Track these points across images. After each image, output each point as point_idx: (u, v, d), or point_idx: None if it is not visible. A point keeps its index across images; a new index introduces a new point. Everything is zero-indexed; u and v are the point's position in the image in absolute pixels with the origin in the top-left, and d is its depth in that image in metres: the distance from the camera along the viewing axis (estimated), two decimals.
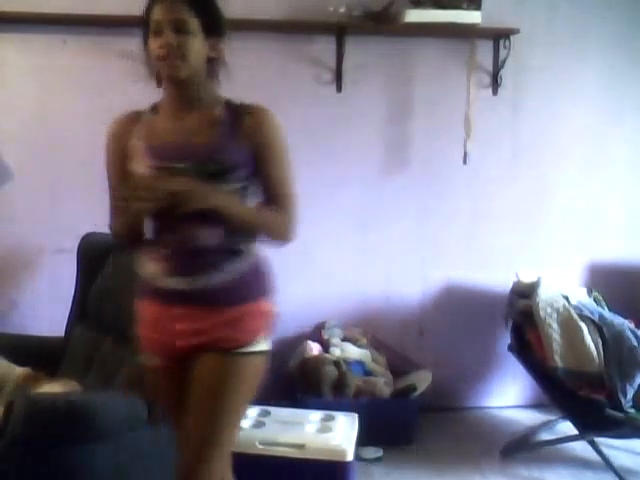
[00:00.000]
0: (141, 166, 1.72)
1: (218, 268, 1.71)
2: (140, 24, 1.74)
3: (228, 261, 1.72)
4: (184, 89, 1.74)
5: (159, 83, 1.83)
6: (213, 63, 1.76)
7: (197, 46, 1.69)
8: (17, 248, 3.41)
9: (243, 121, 1.73)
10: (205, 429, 1.70)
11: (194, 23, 1.68)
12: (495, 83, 3.61)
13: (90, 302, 2.77)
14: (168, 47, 1.66)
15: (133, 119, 1.81)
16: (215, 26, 1.74)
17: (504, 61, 3.56)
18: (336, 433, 2.66)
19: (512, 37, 3.50)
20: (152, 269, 1.77)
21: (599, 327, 3.06)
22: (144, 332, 1.85)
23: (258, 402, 2.83)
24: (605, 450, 3.05)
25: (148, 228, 1.74)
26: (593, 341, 3.03)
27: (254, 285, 1.78)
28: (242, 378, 1.73)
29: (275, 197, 1.76)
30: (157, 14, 1.68)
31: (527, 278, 3.31)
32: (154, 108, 1.82)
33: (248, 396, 1.77)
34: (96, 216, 3.28)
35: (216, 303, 1.73)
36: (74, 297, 2.86)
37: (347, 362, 3.29)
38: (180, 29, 1.66)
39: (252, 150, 1.72)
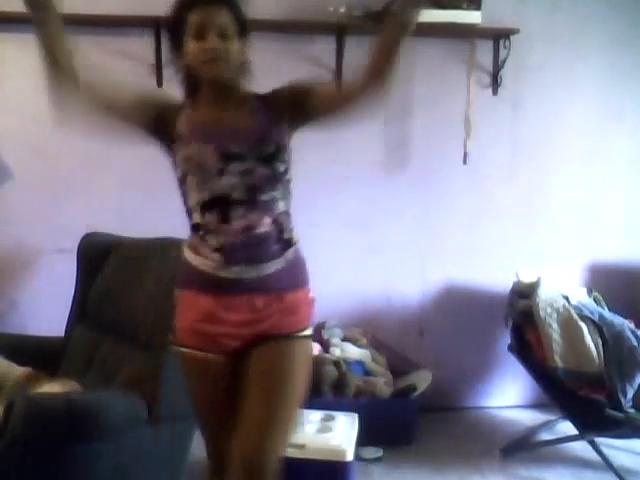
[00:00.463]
0: (191, 149, 1.77)
1: (275, 256, 1.78)
2: (167, 22, 1.81)
3: (282, 248, 1.79)
4: (225, 88, 1.80)
5: (187, 81, 1.85)
6: (244, 62, 1.83)
7: (236, 48, 1.76)
8: (17, 248, 3.41)
9: (271, 101, 1.82)
10: (272, 409, 1.73)
11: (233, 28, 1.75)
12: (495, 83, 3.61)
13: (90, 302, 2.77)
14: (214, 52, 1.72)
15: (179, 105, 1.86)
16: (245, 29, 1.81)
17: (504, 61, 3.56)
18: (336, 433, 2.66)
19: (512, 37, 3.50)
20: (207, 259, 1.78)
21: (599, 327, 3.06)
22: (189, 324, 1.82)
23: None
24: (605, 450, 3.05)
25: (205, 218, 1.77)
26: (593, 341, 3.03)
27: (302, 271, 1.87)
28: (303, 360, 1.82)
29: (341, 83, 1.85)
30: (201, 18, 1.73)
31: (527, 278, 3.31)
32: (191, 102, 1.85)
33: (307, 378, 1.82)
34: (96, 216, 3.31)
35: (276, 290, 1.78)
36: (74, 297, 2.86)
37: (347, 362, 3.29)
38: (222, 34, 1.73)
39: (290, 115, 1.79)
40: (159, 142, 1.88)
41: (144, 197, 3.40)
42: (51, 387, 2.40)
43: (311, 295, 1.89)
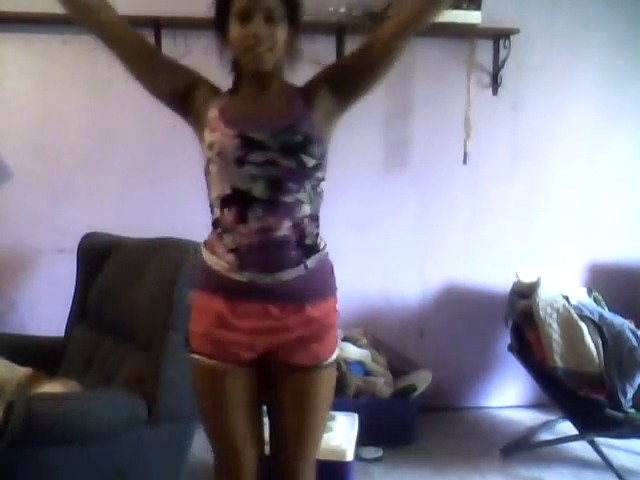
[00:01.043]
0: (215, 134, 1.66)
1: (293, 262, 1.67)
2: (213, 5, 1.68)
3: (302, 255, 1.69)
4: (265, 78, 1.69)
5: (234, 69, 1.75)
6: (292, 51, 1.72)
7: (283, 36, 1.64)
8: (17, 248, 3.41)
9: (309, 89, 1.73)
10: (307, 432, 1.80)
11: (282, 11, 1.63)
12: (495, 83, 3.61)
13: (90, 302, 2.77)
14: (257, 38, 1.60)
15: (216, 91, 1.76)
16: (297, 14, 1.69)
17: (504, 61, 3.56)
18: (336, 433, 2.66)
19: (512, 37, 3.51)
20: (221, 259, 1.68)
21: (599, 327, 3.06)
22: (204, 329, 1.72)
23: None
24: (605, 450, 3.05)
25: (224, 214, 1.67)
26: (593, 341, 3.03)
27: (327, 281, 1.79)
28: (331, 387, 1.86)
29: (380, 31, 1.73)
30: (245, 1, 1.61)
31: (527, 278, 3.31)
32: (231, 90, 1.76)
33: (332, 399, 1.89)
34: (96, 216, 3.31)
35: (294, 300, 1.69)
36: (74, 297, 2.86)
37: (347, 362, 3.29)
38: (270, 18, 1.60)
39: (339, 89, 1.72)
40: (179, 114, 1.78)
41: (144, 197, 3.40)
42: (51, 387, 2.40)
43: (337, 308, 1.80)
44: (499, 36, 3.53)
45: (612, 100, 3.72)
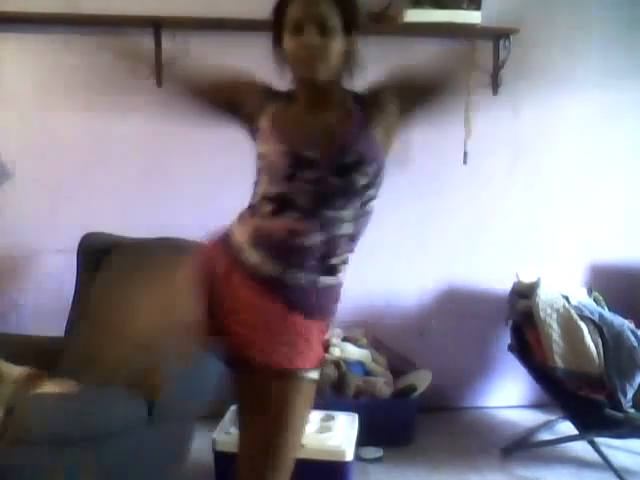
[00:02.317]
0: (267, 147, 1.63)
1: (306, 270, 1.63)
2: (270, 18, 1.67)
3: (319, 271, 1.64)
4: (319, 90, 1.65)
5: (293, 81, 1.71)
6: (349, 60, 1.67)
7: (338, 46, 1.60)
8: (17, 248, 3.41)
9: (370, 103, 1.67)
10: (278, 442, 1.69)
11: (336, 20, 1.58)
12: (495, 83, 3.61)
13: (90, 302, 2.76)
14: (310, 49, 1.57)
15: (272, 95, 1.73)
16: (354, 22, 1.63)
17: (504, 61, 3.56)
18: (336, 433, 2.66)
19: (512, 37, 3.50)
20: (243, 232, 1.67)
21: (599, 327, 3.06)
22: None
23: None
24: (605, 450, 3.05)
25: (262, 205, 1.64)
26: (593, 341, 3.03)
27: (326, 306, 1.72)
28: (308, 403, 1.73)
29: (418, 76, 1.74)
30: (298, 11, 1.58)
31: (527, 278, 3.31)
32: (289, 95, 1.71)
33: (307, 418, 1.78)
34: (96, 216, 3.31)
35: (286, 303, 1.65)
36: (74, 297, 2.86)
37: (347, 362, 3.29)
38: (323, 28, 1.57)
39: (401, 108, 1.69)
40: (244, 127, 1.75)
41: (144, 197, 3.40)
42: (51, 387, 2.40)
43: (325, 336, 1.72)
44: (499, 36, 3.53)
45: (612, 100, 3.71)
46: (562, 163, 3.73)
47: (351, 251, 1.71)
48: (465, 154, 3.60)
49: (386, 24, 3.40)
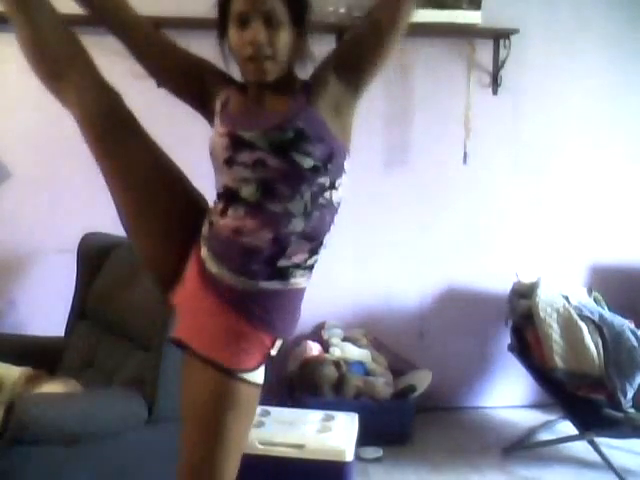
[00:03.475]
0: (213, 132, 1.57)
1: (253, 276, 1.53)
2: (214, 9, 1.56)
3: (267, 274, 1.53)
4: (268, 86, 1.55)
5: (242, 76, 1.62)
6: (299, 54, 1.59)
7: (286, 40, 1.50)
8: (17, 248, 3.41)
9: (314, 80, 1.58)
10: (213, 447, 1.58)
11: (284, 12, 1.49)
12: (495, 83, 3.61)
13: (90, 302, 2.77)
14: (256, 45, 1.47)
15: (228, 81, 1.65)
16: (304, 14, 1.54)
17: (504, 61, 3.56)
18: (336, 433, 2.66)
19: (512, 37, 3.51)
20: (203, 239, 1.59)
21: (599, 327, 3.06)
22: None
23: (258, 402, 2.84)
24: (605, 450, 3.05)
25: (215, 205, 1.57)
26: (593, 341, 3.03)
27: (278, 317, 1.58)
28: (250, 412, 1.64)
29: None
30: (243, 3, 1.48)
31: (527, 278, 3.31)
32: (242, 86, 1.63)
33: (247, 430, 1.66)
34: (96, 216, 3.31)
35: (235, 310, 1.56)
36: (74, 297, 2.86)
37: (347, 362, 3.29)
38: (270, 21, 1.47)
39: (340, 87, 1.56)
40: (198, 105, 1.68)
41: None
42: (51, 387, 2.40)
43: (272, 351, 1.57)
44: (499, 36, 3.53)
45: (612, 100, 3.72)
46: (562, 163, 3.73)
47: (309, 253, 1.55)
48: (465, 154, 3.60)
49: None
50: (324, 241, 1.59)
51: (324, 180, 1.52)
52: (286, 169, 1.47)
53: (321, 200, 1.53)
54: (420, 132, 3.61)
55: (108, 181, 1.67)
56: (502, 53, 3.56)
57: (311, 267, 1.59)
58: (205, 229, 1.59)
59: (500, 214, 3.70)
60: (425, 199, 3.65)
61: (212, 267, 1.54)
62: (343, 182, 1.58)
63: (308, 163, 1.47)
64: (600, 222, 3.77)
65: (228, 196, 1.53)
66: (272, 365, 1.71)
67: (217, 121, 1.60)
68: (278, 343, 1.59)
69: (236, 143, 1.51)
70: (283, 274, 1.53)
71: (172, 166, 1.66)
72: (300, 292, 1.60)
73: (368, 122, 3.56)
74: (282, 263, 1.52)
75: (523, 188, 3.71)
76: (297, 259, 1.54)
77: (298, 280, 1.56)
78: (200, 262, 1.57)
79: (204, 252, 1.56)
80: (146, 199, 1.61)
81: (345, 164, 1.58)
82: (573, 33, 3.65)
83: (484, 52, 3.57)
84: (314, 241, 1.56)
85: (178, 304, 1.61)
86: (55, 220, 3.39)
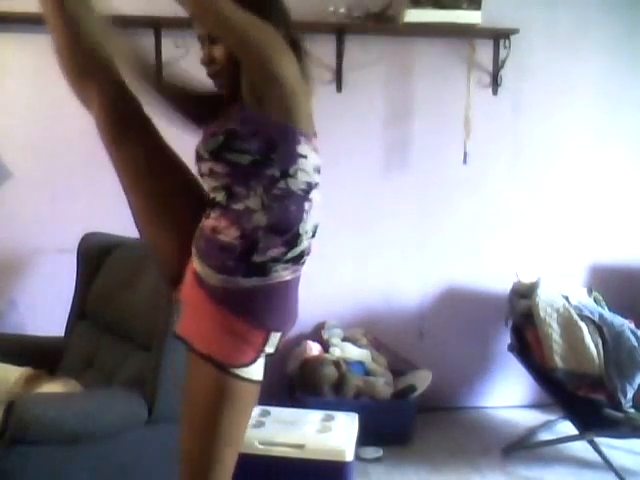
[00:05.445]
0: None
1: (226, 271, 1.57)
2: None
3: (240, 270, 1.57)
4: (234, 96, 1.63)
5: None
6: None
7: (226, 53, 1.58)
8: (17, 248, 3.41)
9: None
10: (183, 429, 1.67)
11: None
12: (495, 83, 3.61)
13: (90, 302, 2.77)
14: (204, 62, 1.64)
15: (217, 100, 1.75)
16: None
17: (504, 61, 3.56)
18: (336, 433, 2.66)
19: (512, 37, 3.51)
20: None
21: (599, 327, 3.06)
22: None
23: (259, 402, 2.84)
24: (605, 450, 3.05)
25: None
26: (593, 341, 3.03)
27: (248, 309, 1.62)
28: (209, 392, 1.66)
29: None
30: (196, 29, 1.64)
31: (527, 278, 3.31)
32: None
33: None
34: (96, 216, 3.31)
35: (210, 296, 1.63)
36: (74, 297, 2.86)
37: (347, 362, 3.29)
38: (213, 39, 1.60)
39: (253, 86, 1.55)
40: None
41: None
42: (51, 387, 2.40)
43: (268, 348, 1.61)
44: (499, 36, 3.53)
45: (612, 101, 3.72)
46: (562, 163, 3.73)
47: (285, 246, 1.56)
48: (465, 154, 3.60)
49: (386, 24, 3.40)
50: (300, 231, 1.58)
51: (272, 171, 1.53)
52: (229, 171, 1.55)
53: (276, 191, 1.54)
54: (420, 132, 3.61)
55: (122, 175, 1.70)
56: (502, 53, 3.56)
57: (295, 259, 1.59)
58: (198, 229, 1.65)
59: (500, 214, 3.70)
60: (425, 199, 3.65)
61: (197, 266, 1.60)
62: (303, 167, 1.56)
63: (246, 159, 1.52)
64: (600, 222, 3.77)
65: (211, 200, 1.61)
66: (271, 364, 1.71)
67: None
68: (274, 339, 1.62)
69: (197, 158, 1.63)
70: (261, 269, 1.55)
71: (182, 164, 1.72)
72: (286, 285, 1.60)
73: (368, 122, 3.57)
74: (257, 258, 1.54)
75: (523, 188, 3.71)
76: (273, 253, 1.55)
77: (280, 273, 1.58)
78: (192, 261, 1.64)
79: (193, 251, 1.63)
80: (160, 192, 1.67)
81: (299, 149, 1.56)
82: (573, 33, 3.65)
83: (484, 52, 3.57)
84: (285, 233, 1.56)
85: (182, 299, 1.66)
86: (55, 220, 3.39)
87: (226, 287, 1.56)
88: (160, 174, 1.68)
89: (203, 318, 1.60)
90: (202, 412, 1.60)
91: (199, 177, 1.66)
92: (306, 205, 1.58)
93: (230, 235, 1.54)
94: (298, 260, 1.60)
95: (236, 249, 1.54)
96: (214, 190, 1.60)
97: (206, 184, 1.63)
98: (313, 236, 1.63)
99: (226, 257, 1.55)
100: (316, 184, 1.61)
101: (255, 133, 1.52)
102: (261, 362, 1.63)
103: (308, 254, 1.63)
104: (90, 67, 1.72)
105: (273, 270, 1.56)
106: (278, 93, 1.50)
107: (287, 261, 1.58)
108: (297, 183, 1.56)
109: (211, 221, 1.59)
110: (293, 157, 1.55)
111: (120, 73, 1.73)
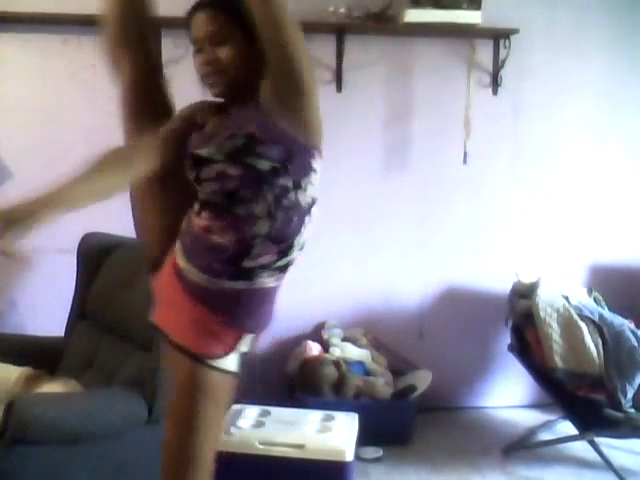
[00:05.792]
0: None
1: (214, 273, 1.59)
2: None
3: (227, 273, 1.59)
4: (233, 100, 1.62)
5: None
6: (257, 61, 1.56)
7: (233, 54, 1.56)
8: (17, 248, 3.40)
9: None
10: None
11: (228, 30, 1.56)
12: (495, 83, 3.61)
13: (90, 302, 2.77)
14: (207, 67, 1.58)
15: (204, 108, 1.71)
16: (248, 27, 1.54)
17: (504, 61, 3.56)
18: (336, 433, 2.66)
19: (512, 37, 3.51)
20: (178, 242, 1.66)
21: (599, 327, 3.06)
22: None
23: (259, 402, 2.84)
24: (605, 450, 3.05)
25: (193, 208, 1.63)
26: (593, 341, 3.03)
27: (231, 314, 1.65)
28: (192, 388, 1.68)
29: None
30: (194, 31, 1.59)
31: (527, 278, 3.31)
32: (217, 106, 1.69)
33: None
34: (96, 216, 3.31)
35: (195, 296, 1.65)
36: (74, 297, 2.86)
37: (347, 362, 3.29)
38: (215, 41, 1.56)
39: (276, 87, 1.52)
40: None
41: None
42: (51, 387, 2.40)
43: (242, 347, 1.62)
44: (499, 36, 3.53)
45: (612, 101, 3.72)
46: (562, 163, 3.73)
47: (277, 254, 1.57)
48: (465, 154, 3.60)
49: (386, 24, 3.40)
50: (294, 243, 1.60)
51: (286, 181, 1.54)
52: (245, 174, 1.51)
53: (285, 202, 1.55)
54: (420, 132, 3.61)
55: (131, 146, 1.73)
56: (502, 53, 3.56)
57: (282, 268, 1.61)
58: (184, 223, 1.65)
59: (500, 214, 3.70)
60: (425, 199, 3.65)
61: (180, 261, 1.61)
62: (312, 181, 1.59)
63: (265, 165, 1.50)
64: (600, 222, 3.77)
65: (202, 203, 1.60)
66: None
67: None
68: (247, 339, 1.64)
69: (196, 162, 1.58)
70: (248, 274, 1.57)
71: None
72: (268, 291, 1.62)
73: (368, 122, 3.57)
74: (247, 264, 1.55)
75: (523, 188, 3.71)
76: (264, 260, 1.56)
77: (265, 280, 1.59)
78: (174, 253, 1.65)
79: (177, 245, 1.63)
80: (163, 169, 1.64)
81: (312, 162, 1.58)
82: (573, 33, 3.65)
83: (484, 52, 3.57)
84: (282, 243, 1.57)
85: (157, 287, 1.68)
86: (55, 220, 3.38)
87: (207, 287, 1.57)
88: (168, 152, 1.64)
89: (179, 312, 1.62)
90: (179, 402, 1.63)
91: (195, 183, 1.61)
92: (307, 219, 1.60)
93: (225, 237, 1.54)
94: (284, 269, 1.62)
95: (227, 251, 1.54)
96: (211, 194, 1.57)
97: (203, 189, 1.59)
98: (301, 249, 1.64)
99: (213, 258, 1.56)
100: (317, 199, 1.63)
101: (276, 140, 1.52)
102: (235, 356, 1.64)
103: (292, 264, 1.64)
104: (131, 37, 1.81)
105: (259, 276, 1.58)
106: (303, 104, 1.53)
107: (274, 269, 1.59)
108: (305, 196, 1.58)
109: (203, 220, 1.58)
110: (306, 170, 1.57)
111: (155, 49, 1.83)
